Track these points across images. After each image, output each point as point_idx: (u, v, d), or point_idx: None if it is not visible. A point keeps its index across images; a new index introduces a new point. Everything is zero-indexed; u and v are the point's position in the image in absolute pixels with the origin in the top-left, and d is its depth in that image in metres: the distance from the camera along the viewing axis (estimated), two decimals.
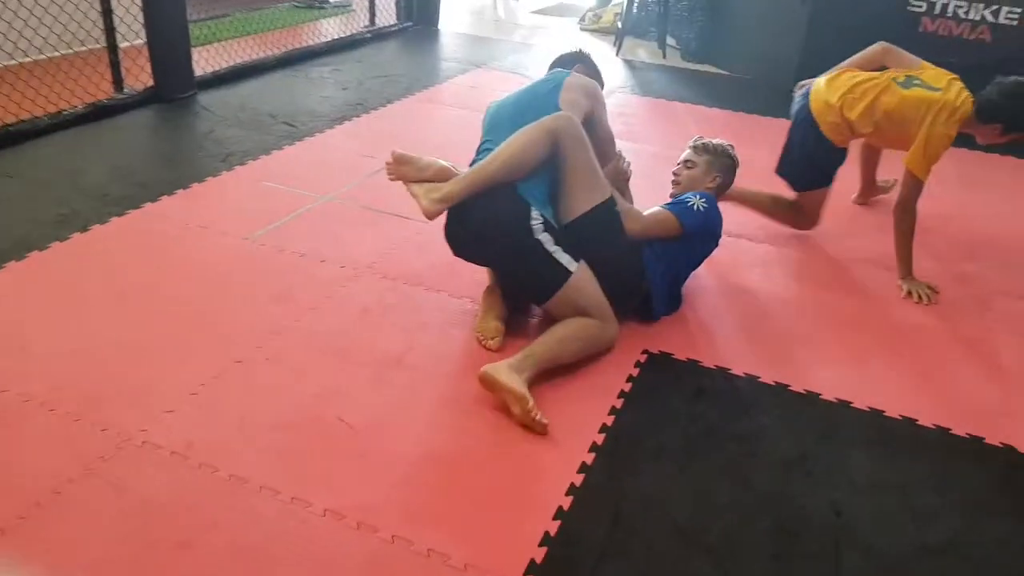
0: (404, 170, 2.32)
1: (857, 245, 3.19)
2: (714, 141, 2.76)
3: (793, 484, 1.94)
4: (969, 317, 2.72)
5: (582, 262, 2.30)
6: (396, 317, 2.50)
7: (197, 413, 2.01)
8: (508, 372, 2.07)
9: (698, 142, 2.76)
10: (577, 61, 2.85)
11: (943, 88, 2.82)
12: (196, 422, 1.98)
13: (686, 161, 2.73)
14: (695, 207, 2.50)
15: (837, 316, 2.69)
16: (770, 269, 2.96)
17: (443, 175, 2.32)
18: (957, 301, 2.81)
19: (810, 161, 3.08)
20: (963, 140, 2.87)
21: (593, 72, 2.82)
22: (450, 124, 4.28)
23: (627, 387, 2.24)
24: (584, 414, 2.12)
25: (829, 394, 2.28)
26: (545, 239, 2.26)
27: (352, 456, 1.92)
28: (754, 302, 2.72)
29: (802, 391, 2.29)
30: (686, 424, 2.12)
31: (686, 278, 2.64)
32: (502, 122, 2.48)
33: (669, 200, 2.62)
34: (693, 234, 2.50)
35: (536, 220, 2.27)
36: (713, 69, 5.85)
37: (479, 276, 2.73)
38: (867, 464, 2.02)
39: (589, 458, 1.96)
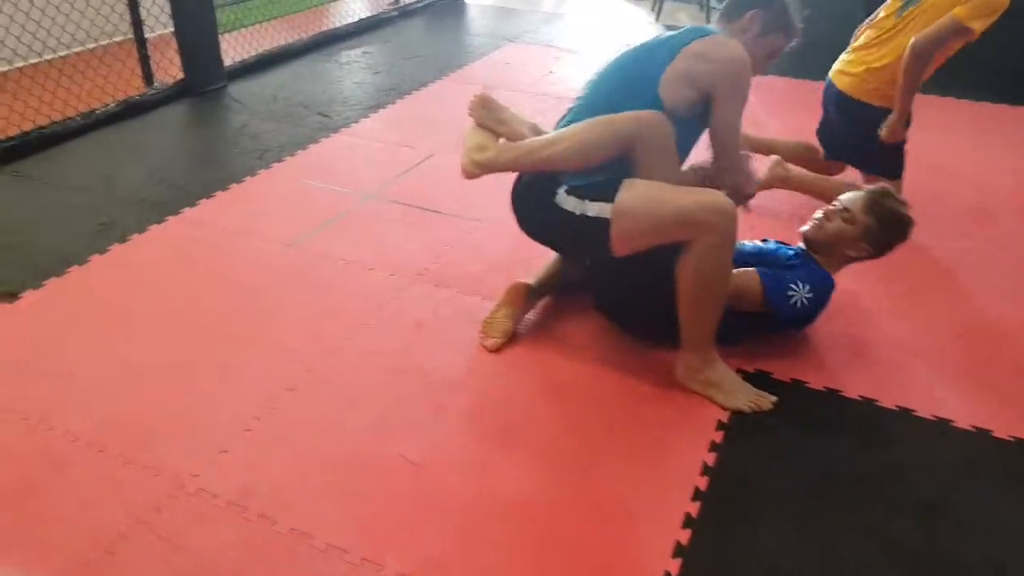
0: (482, 114, 2.18)
1: (962, 246, 2.91)
2: (895, 204, 2.15)
3: (938, 534, 1.70)
4: None
5: (621, 190, 1.95)
6: (453, 332, 2.35)
7: (252, 452, 1.89)
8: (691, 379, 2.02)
9: (875, 197, 2.15)
10: (753, 6, 2.14)
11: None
12: (251, 463, 1.85)
13: (845, 210, 2.16)
14: (797, 302, 2.05)
15: (954, 325, 2.43)
16: (866, 269, 2.43)
17: (517, 133, 2.15)
18: None
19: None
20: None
21: (770, 28, 2.13)
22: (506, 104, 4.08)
23: (725, 415, 2.03)
24: (680, 451, 1.92)
25: (963, 421, 2.03)
26: (571, 203, 2.02)
27: (417, 500, 1.77)
28: (854, 308, 2.47)
29: (930, 417, 2.04)
30: (800, 461, 1.90)
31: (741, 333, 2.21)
32: (600, 87, 2.15)
33: (791, 247, 2.16)
34: (779, 322, 2.13)
35: (560, 191, 2.05)
36: None
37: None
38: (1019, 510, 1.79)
39: (693, 508, 1.76)
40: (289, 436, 1.94)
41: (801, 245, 2.25)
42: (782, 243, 2.35)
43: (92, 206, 2.98)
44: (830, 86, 2.99)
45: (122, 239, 2.75)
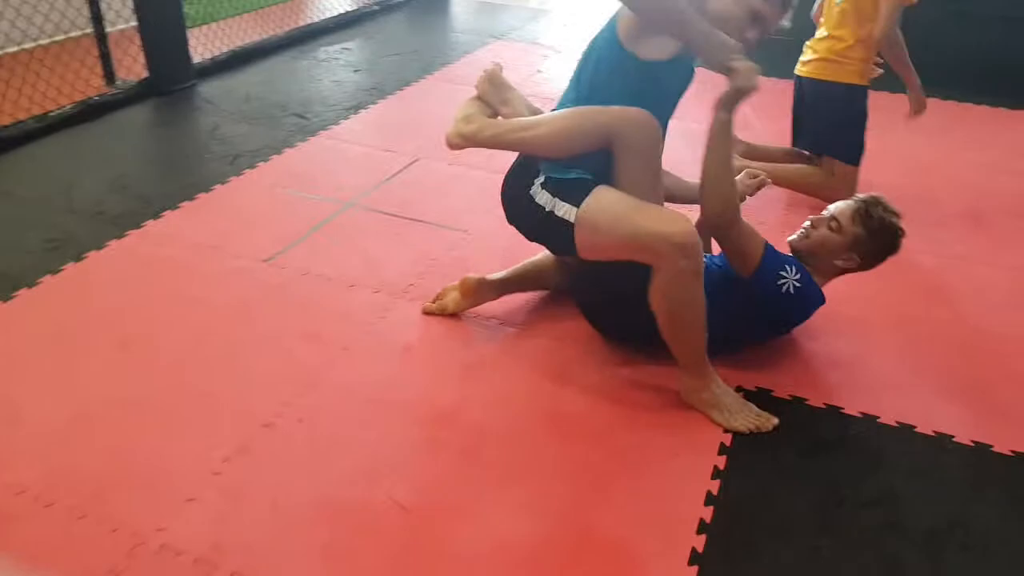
0: (487, 89, 2.17)
1: (956, 252, 2.81)
2: (885, 214, 2.04)
3: (949, 561, 1.61)
4: None
5: (589, 197, 1.86)
6: (444, 356, 2.15)
7: (223, 501, 1.68)
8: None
9: (863, 206, 2.05)
10: None
11: None
12: (222, 513, 1.65)
13: (832, 219, 2.06)
14: (784, 286, 1.94)
15: (951, 338, 2.33)
16: (861, 279, 2.29)
17: (518, 115, 2.12)
18: None
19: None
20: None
21: None
22: None
23: (727, 437, 1.90)
24: (684, 481, 1.78)
25: (963, 436, 1.94)
26: (543, 198, 1.95)
27: (409, 550, 1.59)
28: (851, 321, 2.35)
29: (931, 432, 1.94)
30: (805, 486, 1.78)
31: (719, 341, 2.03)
32: (582, 65, 2.03)
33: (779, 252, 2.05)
34: (757, 304, 1.99)
35: (537, 182, 1.98)
36: None
37: (538, 300, 2.39)
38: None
39: (699, 542, 1.62)
40: (265, 481, 1.73)
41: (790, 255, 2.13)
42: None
43: (44, 220, 2.73)
44: (797, 80, 3.10)
45: (77, 257, 2.51)
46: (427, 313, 2.30)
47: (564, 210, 1.91)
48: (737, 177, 2.21)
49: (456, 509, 1.69)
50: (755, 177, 2.30)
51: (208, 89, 4.00)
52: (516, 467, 1.80)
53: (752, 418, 1.91)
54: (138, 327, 2.20)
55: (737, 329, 2.07)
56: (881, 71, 3.05)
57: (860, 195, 2.11)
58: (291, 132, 3.53)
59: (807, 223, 2.11)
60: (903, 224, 2.08)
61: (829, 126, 3.00)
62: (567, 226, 1.90)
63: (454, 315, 2.30)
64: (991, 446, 1.91)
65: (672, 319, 1.88)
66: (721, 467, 1.81)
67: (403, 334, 2.23)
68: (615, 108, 1.87)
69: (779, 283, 1.95)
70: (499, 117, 2.13)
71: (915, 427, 1.96)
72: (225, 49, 4.37)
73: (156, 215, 2.77)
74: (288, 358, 2.11)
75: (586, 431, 1.91)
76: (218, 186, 3.02)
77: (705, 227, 1.97)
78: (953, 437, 1.93)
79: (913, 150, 3.62)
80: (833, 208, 2.09)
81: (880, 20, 2.81)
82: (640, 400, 2.01)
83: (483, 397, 2.00)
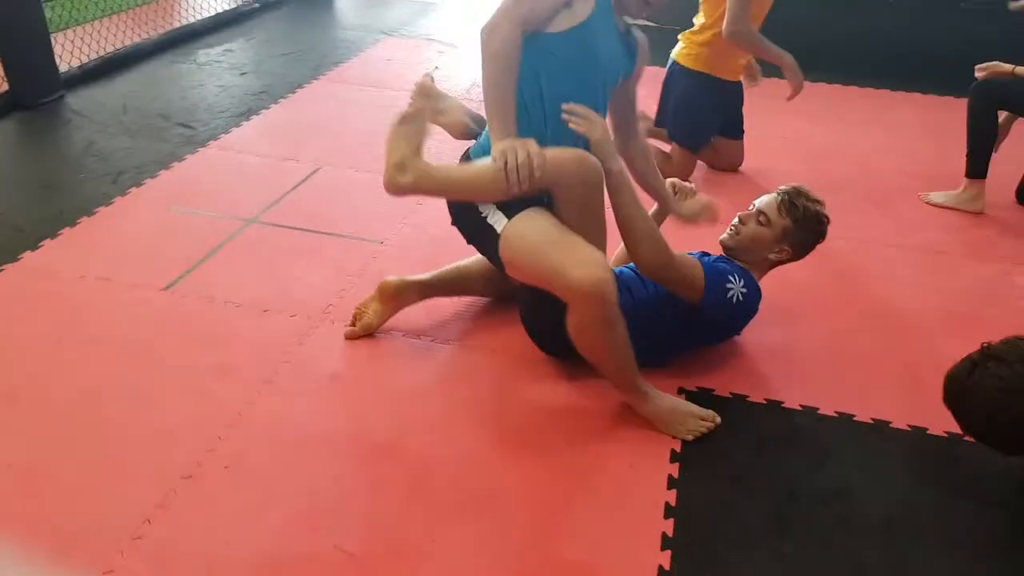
0: (420, 103, 2.07)
1: (864, 236, 2.89)
2: (809, 203, 2.06)
3: (907, 551, 1.62)
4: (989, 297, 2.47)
5: (517, 217, 1.82)
6: (376, 382, 2.02)
7: (148, 569, 1.50)
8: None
9: (786, 197, 2.05)
10: None
11: None
12: None
13: (760, 213, 2.06)
14: (733, 297, 1.95)
15: (874, 323, 2.37)
16: (780, 271, 2.22)
17: (456, 123, 2.15)
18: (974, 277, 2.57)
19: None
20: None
21: None
22: (376, 108, 3.71)
23: (676, 444, 1.86)
24: (640, 492, 1.73)
25: (900, 421, 1.97)
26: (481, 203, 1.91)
27: None
28: (778, 314, 2.34)
29: (869, 420, 1.97)
30: (760, 489, 1.76)
31: (668, 351, 2.08)
32: None
33: (712, 256, 2.08)
34: (707, 321, 2.00)
35: None
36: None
37: (470, 311, 2.29)
38: (971, 513, 1.72)
39: (665, 559, 1.57)
40: (194, 541, 1.56)
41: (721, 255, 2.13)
42: (706, 253, 2.20)
43: None
44: (671, 66, 3.15)
45: None
46: (351, 339, 2.16)
47: (496, 219, 1.86)
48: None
49: (409, 551, 1.57)
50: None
51: (78, 100, 3.67)
52: (467, 498, 1.70)
53: (695, 423, 1.88)
54: (25, 376, 1.97)
55: (687, 342, 2.07)
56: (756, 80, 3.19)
57: (782, 187, 2.11)
58: (178, 144, 3.28)
59: (735, 221, 2.10)
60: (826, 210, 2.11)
61: (668, 107, 3.14)
62: (496, 237, 1.85)
63: (381, 333, 2.17)
64: (926, 429, 1.95)
65: (591, 356, 1.86)
66: (675, 475, 1.77)
67: (328, 361, 2.08)
68: (553, 155, 1.77)
69: (729, 296, 1.96)
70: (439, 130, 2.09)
71: (854, 416, 1.98)
72: (95, 55, 4.03)
73: (34, 246, 2.50)
74: (203, 398, 1.93)
75: (536, 451, 1.83)
76: (102, 209, 2.76)
77: (645, 274, 1.94)
78: (891, 423, 1.96)
79: (808, 135, 3.72)
80: (758, 203, 2.10)
81: (727, 17, 2.85)
82: (587, 412, 1.95)
83: (423, 424, 1.89)
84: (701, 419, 1.89)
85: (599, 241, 1.84)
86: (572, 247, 1.76)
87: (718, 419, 1.90)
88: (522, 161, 1.71)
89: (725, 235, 2.11)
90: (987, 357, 1.70)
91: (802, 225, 2.06)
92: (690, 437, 1.87)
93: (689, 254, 2.18)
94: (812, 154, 3.53)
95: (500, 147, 1.75)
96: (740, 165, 3.29)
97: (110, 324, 2.18)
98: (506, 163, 1.72)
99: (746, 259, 2.08)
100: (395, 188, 1.93)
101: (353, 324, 2.18)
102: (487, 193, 1.86)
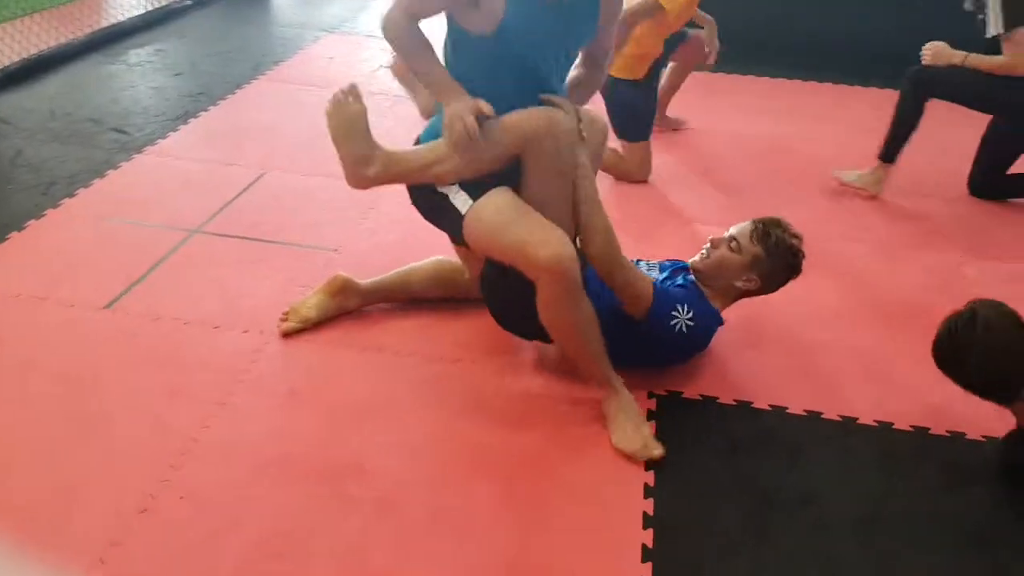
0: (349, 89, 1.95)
1: (826, 231, 2.88)
2: (784, 234, 2.02)
3: (883, 549, 1.63)
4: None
5: (484, 197, 1.83)
6: (335, 399, 1.94)
7: None
8: None
9: (761, 225, 2.02)
10: None
11: None
12: None
13: (732, 239, 2.02)
14: (677, 326, 1.93)
15: (841, 318, 2.38)
16: None
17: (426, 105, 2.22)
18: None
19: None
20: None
21: None
22: (320, 108, 3.58)
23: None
24: (617, 502, 1.70)
25: (867, 416, 1.98)
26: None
27: None
28: (739, 306, 2.32)
29: (837, 417, 1.98)
30: (735, 494, 1.75)
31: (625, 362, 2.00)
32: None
33: (680, 277, 2.05)
34: (654, 341, 1.97)
35: None
36: None
37: (430, 321, 2.23)
38: (947, 506, 1.73)
39: (647, 572, 1.54)
40: None
41: (692, 277, 2.10)
42: (678, 261, 2.19)
43: None
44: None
45: None
46: (287, 334, 2.11)
47: (461, 199, 1.86)
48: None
49: (379, 573, 1.51)
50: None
51: (2, 106, 3.46)
52: (440, 516, 1.64)
53: (636, 444, 1.81)
54: None
55: (637, 359, 2.02)
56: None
57: (760, 217, 2.08)
58: (112, 151, 3.13)
59: (707, 244, 2.07)
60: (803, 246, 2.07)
61: (608, 113, 3.13)
62: (460, 216, 1.86)
63: (339, 347, 2.10)
64: (892, 423, 1.96)
65: (557, 334, 1.87)
66: (651, 484, 1.74)
67: (284, 378, 2.00)
68: (516, 119, 1.79)
69: (672, 323, 1.93)
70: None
71: (822, 414, 1.99)
72: (16, 58, 3.81)
73: None
74: (155, 424, 1.82)
75: (507, 464, 1.78)
76: (32, 222, 2.60)
77: (595, 267, 1.89)
78: (857, 419, 1.97)
79: (768, 129, 3.74)
80: (733, 229, 2.07)
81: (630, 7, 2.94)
82: (557, 418, 1.91)
83: (388, 440, 1.83)
84: (644, 445, 1.81)
85: (566, 209, 1.84)
86: (535, 225, 1.77)
87: (657, 454, 1.79)
88: (470, 124, 1.75)
89: (697, 257, 2.08)
90: (978, 308, 1.72)
91: (773, 255, 2.01)
92: (626, 451, 1.80)
93: (666, 263, 2.17)
94: (764, 149, 3.55)
95: (447, 115, 1.79)
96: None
97: (47, 347, 2.05)
98: (455, 132, 1.76)
99: (713, 284, 2.05)
100: (361, 182, 1.91)
101: (284, 318, 2.15)
102: (450, 172, 1.84)
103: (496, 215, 1.81)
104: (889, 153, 3.06)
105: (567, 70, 1.97)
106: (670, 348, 2.01)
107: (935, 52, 2.95)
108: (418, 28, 1.83)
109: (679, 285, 2.05)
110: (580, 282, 1.77)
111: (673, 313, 1.94)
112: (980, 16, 2.87)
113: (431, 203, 1.93)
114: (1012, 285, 2.50)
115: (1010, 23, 2.76)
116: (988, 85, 2.88)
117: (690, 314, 1.95)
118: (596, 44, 1.97)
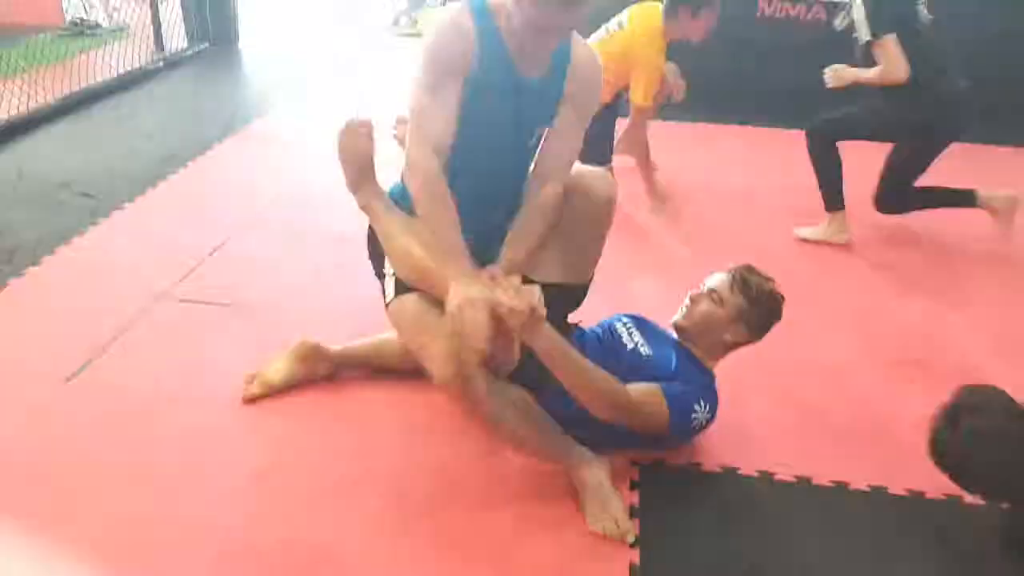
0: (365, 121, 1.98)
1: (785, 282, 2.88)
2: (762, 280, 1.97)
3: None
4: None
5: (404, 296, 1.84)
6: (305, 477, 1.86)
7: None
8: None
9: (738, 274, 1.96)
10: None
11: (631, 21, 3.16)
12: None
13: (712, 291, 1.96)
14: (698, 422, 1.86)
15: (816, 374, 2.34)
16: None
17: None
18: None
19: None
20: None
21: None
22: (288, 168, 3.58)
23: (636, 526, 1.74)
24: None
25: (859, 481, 1.91)
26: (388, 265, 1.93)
27: None
28: (722, 370, 2.25)
29: (828, 483, 1.91)
30: (726, 570, 1.67)
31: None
32: None
33: (674, 362, 1.94)
34: (663, 439, 1.91)
35: None
36: None
37: (400, 390, 2.15)
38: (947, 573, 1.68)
39: None
40: None
41: (674, 335, 2.03)
42: (644, 319, 2.11)
43: None
44: None
45: None
46: (249, 400, 2.07)
47: (388, 287, 1.91)
48: None
49: None
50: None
51: None
52: None
53: (607, 524, 1.73)
54: None
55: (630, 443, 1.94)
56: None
57: (732, 265, 2.03)
58: (79, 216, 3.06)
59: (687, 301, 2.01)
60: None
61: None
62: (384, 299, 1.94)
63: (306, 420, 2.02)
64: (886, 488, 1.90)
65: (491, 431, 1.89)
66: (636, 562, 1.66)
67: (251, 455, 1.91)
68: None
69: (694, 425, 1.87)
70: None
71: (812, 479, 1.92)
72: None
73: None
74: (112, 507, 1.73)
75: (489, 544, 1.70)
76: None
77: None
78: (849, 484, 1.91)
79: (727, 175, 3.76)
80: (709, 281, 2.00)
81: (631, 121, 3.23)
82: (537, 491, 1.84)
83: (363, 523, 1.73)
84: (616, 528, 1.72)
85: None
86: (430, 342, 1.74)
87: (631, 539, 1.71)
88: (470, 330, 1.60)
89: (677, 315, 2.00)
90: (961, 410, 1.67)
91: (756, 303, 1.95)
92: (595, 530, 1.73)
93: (644, 322, 2.09)
94: (733, 194, 3.56)
95: (454, 300, 1.62)
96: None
97: (4, 423, 1.96)
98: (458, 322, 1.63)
99: (702, 343, 1.98)
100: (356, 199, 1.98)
101: (250, 382, 2.10)
102: (414, 276, 1.84)
103: (404, 320, 1.85)
104: (832, 203, 3.12)
105: (523, 169, 1.87)
106: (686, 438, 1.96)
107: (835, 74, 3.03)
108: (446, 184, 1.68)
109: (670, 360, 1.94)
110: (475, 391, 1.71)
111: (694, 415, 1.85)
112: (854, 34, 2.96)
113: (377, 271, 1.99)
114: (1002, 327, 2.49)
115: (878, 29, 2.82)
116: (875, 113, 3.01)
117: (707, 407, 1.87)
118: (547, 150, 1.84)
